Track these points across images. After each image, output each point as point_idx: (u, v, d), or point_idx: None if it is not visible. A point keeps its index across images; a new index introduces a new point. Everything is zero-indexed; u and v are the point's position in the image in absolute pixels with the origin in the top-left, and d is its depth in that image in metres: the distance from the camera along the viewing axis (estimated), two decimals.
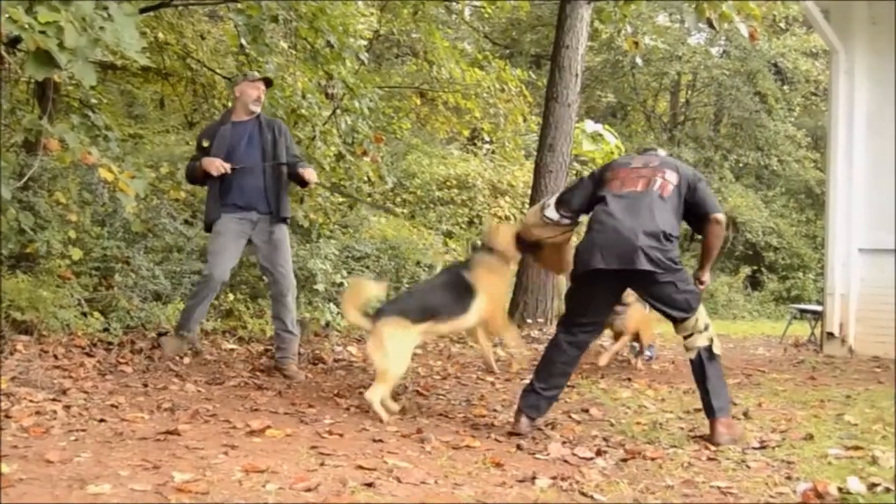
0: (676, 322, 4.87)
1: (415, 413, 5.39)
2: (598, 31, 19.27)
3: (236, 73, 8.74)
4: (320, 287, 8.94)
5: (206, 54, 12.20)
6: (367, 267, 10.09)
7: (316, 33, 8.26)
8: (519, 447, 4.58)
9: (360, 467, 3.84)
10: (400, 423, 5.04)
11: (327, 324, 8.76)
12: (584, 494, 3.68)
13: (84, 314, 6.99)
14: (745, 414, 5.47)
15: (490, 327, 5.73)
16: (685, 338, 4.89)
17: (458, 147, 18.63)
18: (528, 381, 5.06)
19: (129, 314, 7.35)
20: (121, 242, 7.86)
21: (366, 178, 9.66)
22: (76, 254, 7.13)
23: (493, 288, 5.54)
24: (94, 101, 8.16)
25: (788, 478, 3.96)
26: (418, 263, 10.81)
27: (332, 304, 8.97)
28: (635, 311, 7.50)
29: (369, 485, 3.52)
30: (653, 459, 4.32)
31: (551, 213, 5.17)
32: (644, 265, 4.60)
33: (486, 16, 20.99)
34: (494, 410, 5.66)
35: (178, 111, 14.39)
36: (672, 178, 4.89)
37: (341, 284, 9.35)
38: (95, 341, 6.79)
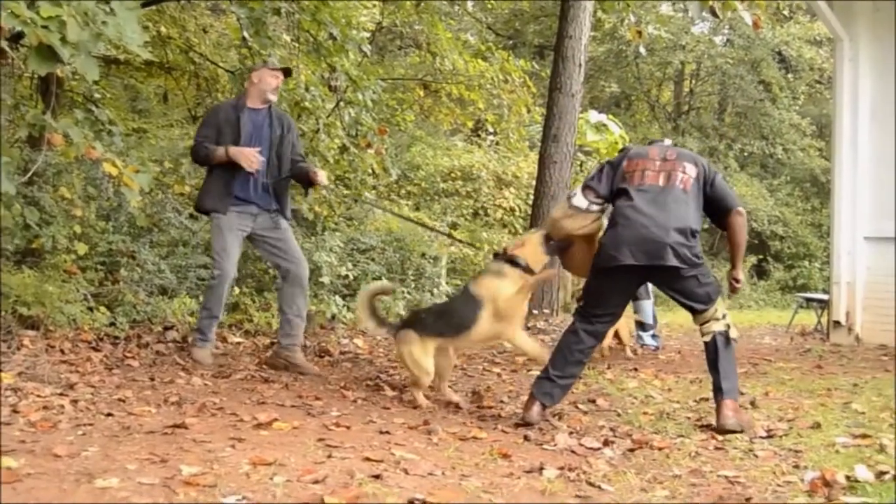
0: (696, 312, 4.91)
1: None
2: (602, 21, 19.27)
3: (239, 67, 8.74)
4: (326, 280, 8.95)
5: (208, 48, 12.20)
6: (373, 259, 10.09)
7: (318, 25, 8.24)
8: (526, 438, 4.58)
9: (368, 459, 3.83)
10: (406, 414, 5.05)
11: (333, 316, 8.77)
12: (591, 484, 3.68)
13: (90, 309, 7.01)
14: (753, 403, 5.46)
15: (503, 337, 5.60)
16: (702, 324, 4.91)
17: (462, 138, 18.62)
18: (541, 370, 5.07)
19: (135, 308, 7.37)
20: (126, 237, 7.88)
21: (370, 171, 9.65)
22: (81, 248, 7.14)
23: (500, 299, 5.32)
24: (97, 95, 8.14)
25: (796, 466, 3.96)
26: (423, 255, 10.81)
27: (337, 297, 8.98)
28: None
29: (377, 476, 3.52)
30: (660, 449, 4.32)
31: (579, 200, 5.11)
32: (672, 261, 4.65)
33: (489, 7, 20.99)
34: (501, 402, 5.67)
35: (182, 105, 14.37)
36: (691, 171, 4.91)
37: (347, 277, 9.36)
38: (102, 336, 6.80)
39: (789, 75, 25.15)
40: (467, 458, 4.06)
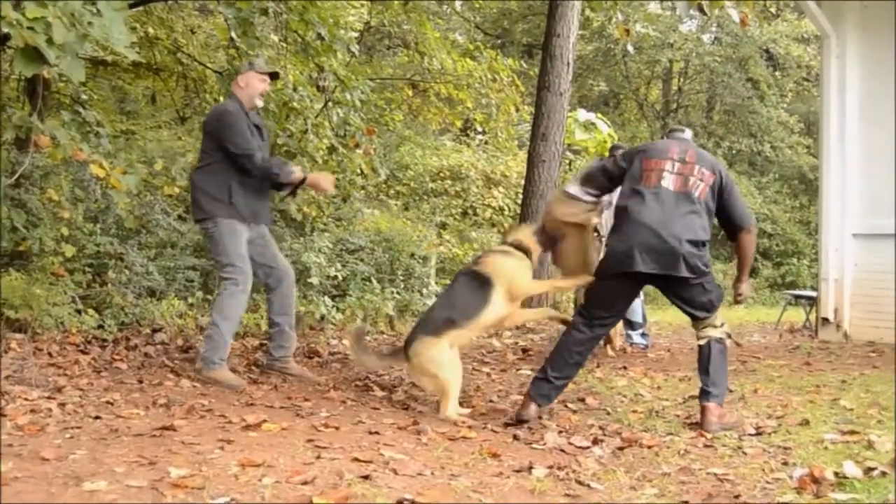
0: (696, 319, 4.93)
1: (410, 405, 5.39)
2: (590, 20, 19.32)
3: (227, 68, 8.69)
4: (315, 280, 8.94)
5: (196, 49, 12.18)
6: (362, 259, 10.07)
7: (306, 26, 8.22)
8: (515, 437, 4.59)
9: (357, 460, 3.83)
10: (396, 415, 5.04)
11: (322, 317, 8.76)
12: (580, 483, 3.69)
13: (78, 311, 6.98)
14: (742, 399, 5.48)
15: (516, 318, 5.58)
16: (698, 329, 4.93)
17: (450, 138, 18.62)
18: (538, 370, 5.08)
19: (123, 311, 7.34)
20: (114, 239, 7.83)
21: (358, 171, 9.64)
22: (69, 251, 7.11)
23: (511, 275, 5.23)
24: (84, 97, 8.12)
25: (785, 463, 3.97)
26: (412, 255, 10.79)
27: (326, 298, 8.97)
28: None
29: (366, 477, 3.51)
30: (649, 447, 4.33)
31: (573, 188, 5.13)
32: (684, 272, 4.66)
33: (478, 6, 21.00)
34: (490, 401, 5.67)
35: (170, 106, 14.36)
36: (709, 178, 4.86)
37: (336, 277, 9.34)
38: (90, 338, 6.79)
39: (777, 73, 25.22)
40: (457, 457, 4.06)
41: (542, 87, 10.82)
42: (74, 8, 4.10)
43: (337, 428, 4.56)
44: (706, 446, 4.39)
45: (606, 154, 10.65)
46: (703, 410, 4.77)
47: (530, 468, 3.85)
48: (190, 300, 7.98)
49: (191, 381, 5.74)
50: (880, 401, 5.35)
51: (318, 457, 3.86)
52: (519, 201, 12.62)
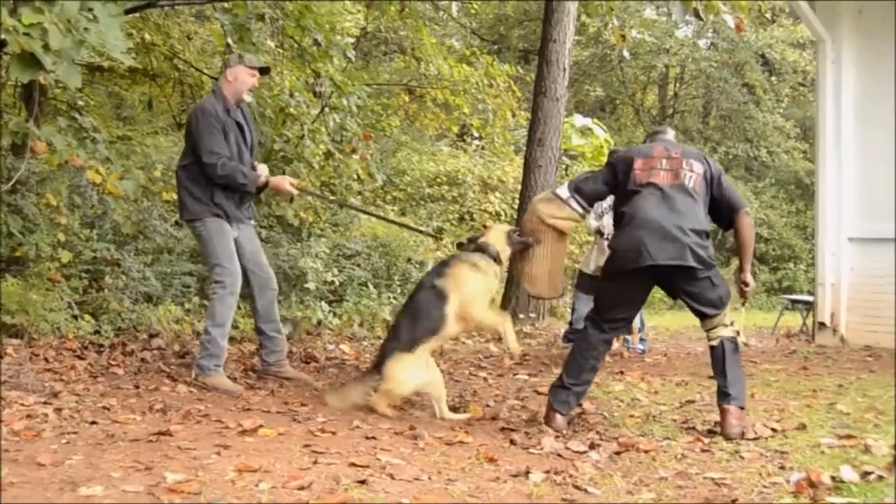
0: (706, 317, 4.88)
1: (407, 410, 5.39)
2: (586, 25, 19.36)
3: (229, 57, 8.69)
4: (311, 286, 8.94)
5: (193, 55, 12.17)
6: (358, 265, 10.08)
7: (303, 31, 8.24)
8: (512, 442, 4.58)
9: (354, 465, 3.82)
10: (392, 420, 5.03)
11: (319, 322, 8.76)
12: (577, 488, 3.68)
13: (75, 317, 6.98)
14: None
15: (473, 326, 5.51)
16: (709, 329, 4.89)
17: (447, 143, 18.63)
18: (555, 379, 5.06)
19: (119, 316, 7.34)
20: (110, 244, 7.83)
21: (355, 176, 9.65)
22: (66, 256, 7.11)
23: (465, 286, 5.18)
24: (81, 103, 8.14)
25: (782, 467, 3.97)
26: (409, 261, 10.81)
27: (323, 303, 8.97)
28: None
29: (362, 482, 3.51)
30: (646, 452, 4.32)
31: (563, 191, 5.07)
32: (691, 262, 4.62)
33: (474, 12, 21.02)
34: (487, 406, 5.67)
35: (167, 112, 14.34)
36: (698, 169, 4.87)
37: (332, 283, 9.34)
38: (86, 344, 6.78)
39: (773, 78, 25.27)
40: (453, 462, 4.05)
41: (539, 92, 10.83)
42: (71, 14, 4.10)
43: (334, 433, 4.55)
44: (703, 451, 4.38)
45: (604, 159, 10.66)
46: (724, 413, 4.72)
47: (527, 473, 3.85)
48: (187, 306, 7.98)
49: (187, 386, 5.73)
50: (877, 405, 5.35)
51: (315, 462, 3.85)
52: (516, 206, 12.63)
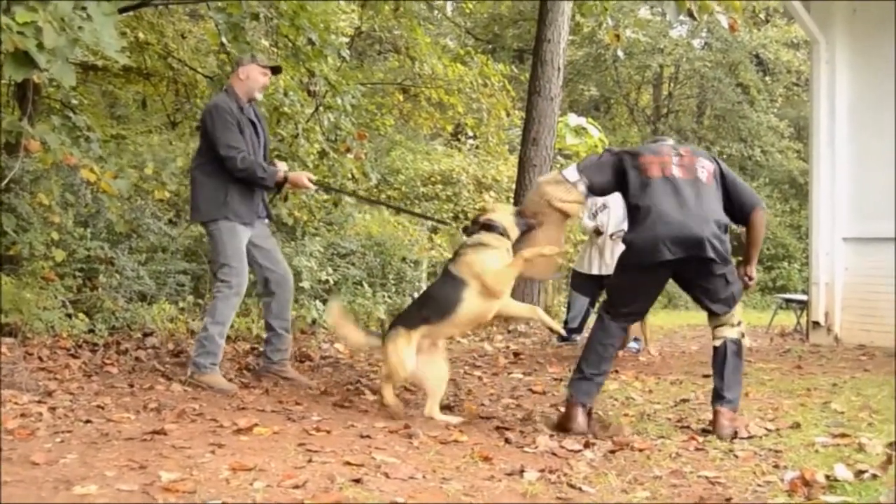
0: (715, 315, 4.86)
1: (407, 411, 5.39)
2: (580, 25, 19.33)
3: (218, 72, 8.69)
4: (306, 284, 8.93)
5: (187, 54, 12.16)
6: (353, 264, 10.07)
7: (297, 31, 8.22)
8: (507, 441, 4.58)
9: (348, 463, 3.82)
10: (387, 418, 5.02)
11: (314, 321, 8.75)
12: (572, 486, 3.68)
13: (69, 315, 6.97)
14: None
15: (501, 306, 5.26)
16: (715, 327, 4.87)
17: (441, 142, 18.65)
18: (573, 371, 5.01)
19: (113, 315, 7.33)
20: (104, 243, 7.82)
21: (349, 175, 9.63)
22: (59, 255, 7.10)
23: (483, 266, 5.05)
24: (75, 101, 8.12)
25: (776, 466, 3.97)
26: (404, 259, 10.81)
27: (318, 302, 8.96)
28: None
29: (357, 481, 3.51)
30: (641, 450, 4.32)
31: (571, 173, 4.95)
32: (710, 253, 4.57)
33: (468, 11, 21.03)
34: (482, 405, 5.67)
35: (161, 111, 14.34)
36: (709, 166, 4.86)
37: (327, 282, 9.33)
38: (80, 342, 6.77)
39: (767, 78, 25.33)
40: (448, 461, 4.04)
41: (533, 91, 10.85)
42: (65, 12, 4.09)
43: (328, 432, 4.55)
44: (698, 449, 4.38)
45: None
46: (716, 415, 4.71)
47: (522, 471, 3.85)
48: (181, 304, 7.97)
49: (182, 385, 5.72)
50: (871, 404, 5.36)
51: (310, 460, 3.85)
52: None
